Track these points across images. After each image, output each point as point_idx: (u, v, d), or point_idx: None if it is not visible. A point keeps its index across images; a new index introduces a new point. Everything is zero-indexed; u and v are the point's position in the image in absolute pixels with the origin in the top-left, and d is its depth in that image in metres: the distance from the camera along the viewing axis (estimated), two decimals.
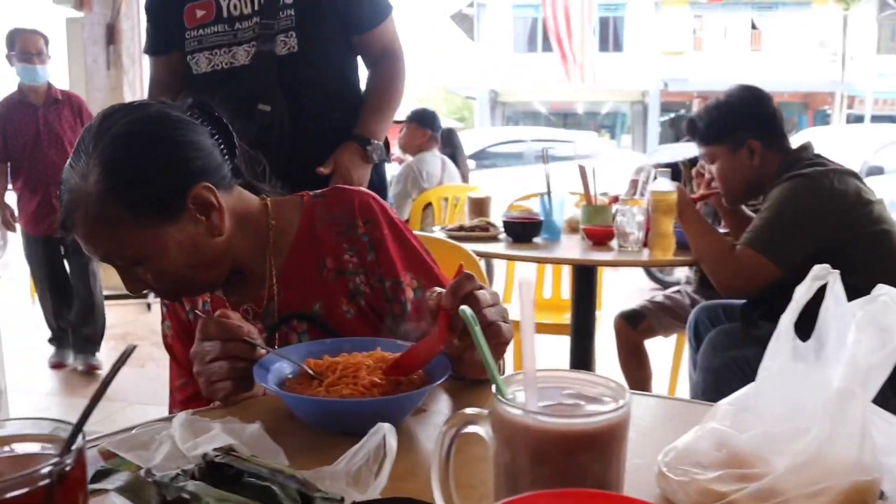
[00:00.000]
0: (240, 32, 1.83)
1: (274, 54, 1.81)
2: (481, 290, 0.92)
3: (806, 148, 2.28)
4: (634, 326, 3.04)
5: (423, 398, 0.91)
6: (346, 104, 1.94)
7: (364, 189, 1.28)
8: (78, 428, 0.46)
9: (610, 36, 23.09)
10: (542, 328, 3.31)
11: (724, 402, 0.76)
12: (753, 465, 0.69)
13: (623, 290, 6.39)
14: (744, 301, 2.34)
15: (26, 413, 3.45)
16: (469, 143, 11.46)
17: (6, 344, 2.70)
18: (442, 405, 0.99)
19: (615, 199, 2.73)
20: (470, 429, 0.61)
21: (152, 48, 1.99)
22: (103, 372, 4.01)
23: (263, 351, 0.97)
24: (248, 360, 0.97)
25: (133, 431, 0.84)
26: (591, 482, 0.55)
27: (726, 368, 2.23)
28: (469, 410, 0.61)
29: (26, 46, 3.90)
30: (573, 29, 14.35)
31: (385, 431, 0.69)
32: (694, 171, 2.75)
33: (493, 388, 0.59)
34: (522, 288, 0.53)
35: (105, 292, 6.11)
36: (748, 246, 2.12)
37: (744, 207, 2.58)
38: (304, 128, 1.84)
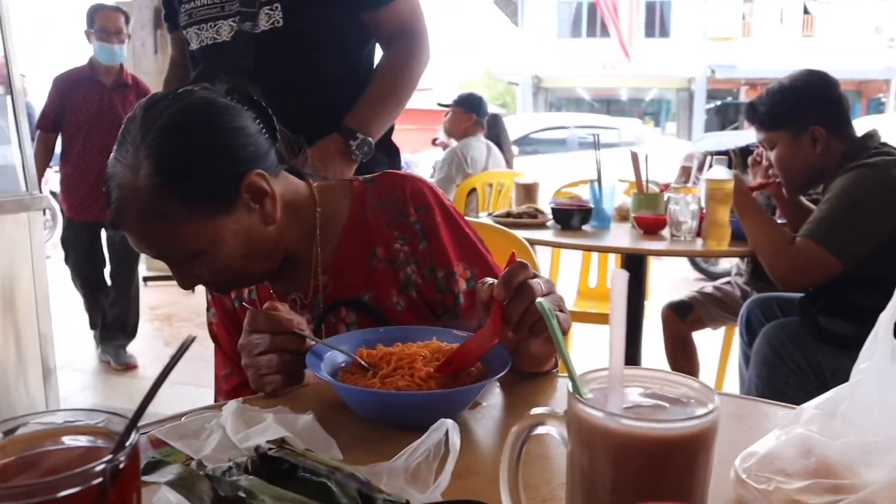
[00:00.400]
0: (227, 5, 1.64)
1: (251, 32, 1.59)
2: (535, 279, 0.88)
3: (872, 136, 2.18)
4: (683, 318, 2.96)
5: (481, 392, 0.87)
6: (353, 94, 1.66)
7: (416, 174, 1.23)
8: (133, 423, 0.43)
9: (656, 21, 22.64)
10: (586, 318, 3.26)
11: (810, 406, 0.70)
12: (845, 476, 0.63)
13: (668, 280, 6.27)
14: (801, 294, 2.25)
15: (74, 391, 3.52)
16: (512, 128, 11.36)
17: (56, 323, 2.73)
18: (496, 399, 0.95)
19: (666, 188, 2.65)
20: (541, 430, 0.56)
21: (166, 24, 1.87)
22: (142, 368, 4.04)
23: (313, 343, 0.94)
24: (298, 352, 0.94)
25: (183, 419, 0.81)
26: (676, 492, 0.51)
27: (784, 365, 2.15)
28: (540, 410, 0.57)
29: (106, 24, 3.77)
30: (620, 13, 14.09)
31: (448, 427, 0.65)
32: (750, 159, 2.66)
33: (569, 386, 0.54)
34: (616, 279, 0.49)
35: (147, 273, 6.22)
36: (809, 238, 2.04)
37: (802, 198, 2.49)
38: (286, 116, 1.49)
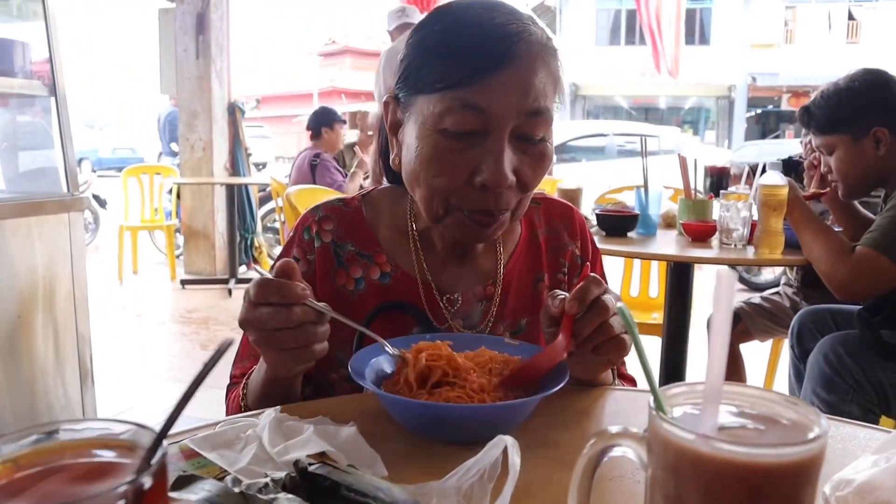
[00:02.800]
0: None
1: None
2: (608, 296, 0.87)
3: None
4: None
5: (536, 404, 0.81)
6: None
7: (566, 201, 1.23)
8: (160, 439, 0.37)
9: (696, 28, 22.35)
10: None
11: None
12: None
13: (710, 290, 6.12)
14: (859, 306, 2.14)
15: (111, 394, 3.52)
16: None
17: (93, 323, 2.73)
18: (550, 412, 0.88)
19: (713, 196, 2.56)
20: (617, 451, 0.50)
21: None
22: (179, 371, 4.05)
23: (330, 316, 0.84)
24: (319, 325, 0.84)
25: (217, 428, 0.76)
26: None
27: (842, 381, 2.04)
28: (616, 429, 0.50)
29: None
30: (662, 21, 13.88)
31: (507, 444, 0.59)
32: (806, 163, 2.56)
33: (652, 402, 0.48)
34: (722, 279, 0.42)
35: (185, 276, 6.28)
36: (871, 247, 1.93)
37: (859, 206, 2.38)
38: None
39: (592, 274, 0.88)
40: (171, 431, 0.76)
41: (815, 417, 0.47)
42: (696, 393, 0.50)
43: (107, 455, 0.40)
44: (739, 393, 0.51)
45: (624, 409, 0.91)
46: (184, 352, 4.33)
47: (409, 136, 0.96)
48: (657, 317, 3.32)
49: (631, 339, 0.88)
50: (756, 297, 2.97)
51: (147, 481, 0.35)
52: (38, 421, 2.27)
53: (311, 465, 0.60)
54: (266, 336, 0.83)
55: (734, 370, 2.91)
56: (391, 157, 1.04)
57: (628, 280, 3.49)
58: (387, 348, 0.88)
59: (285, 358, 0.84)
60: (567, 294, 0.86)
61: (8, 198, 2.52)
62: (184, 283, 6.10)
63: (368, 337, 0.89)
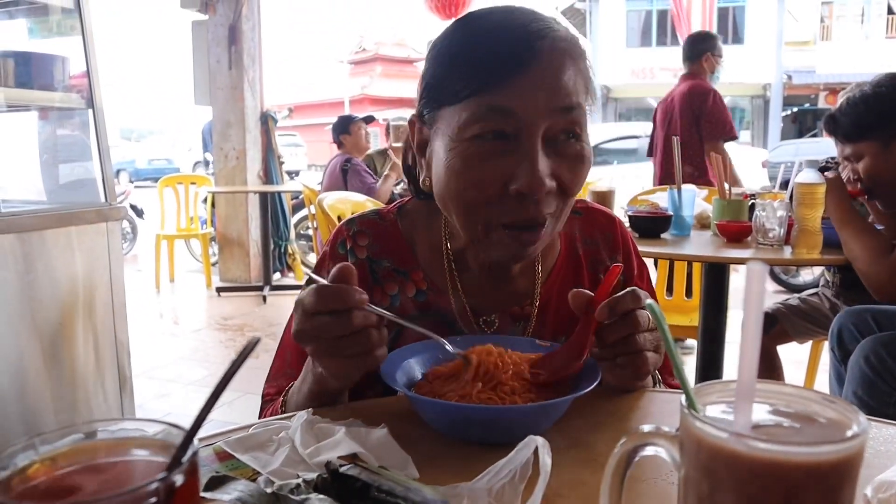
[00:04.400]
0: None
1: None
2: (642, 311, 0.84)
3: None
4: (766, 331, 2.81)
5: (569, 405, 0.80)
6: None
7: (611, 211, 1.18)
8: (189, 437, 0.38)
9: (729, 27, 22.06)
10: None
11: None
12: None
13: (740, 293, 6.04)
14: None
15: (149, 398, 3.58)
16: None
17: (131, 331, 2.78)
18: (581, 413, 0.87)
19: (749, 196, 2.52)
20: (649, 451, 0.49)
21: None
22: (215, 378, 4.10)
23: (387, 317, 0.82)
24: (378, 327, 0.81)
25: (250, 430, 0.77)
26: None
27: (884, 384, 1.99)
28: (648, 428, 0.49)
29: None
30: (693, 21, 13.73)
31: (538, 446, 0.58)
32: (840, 157, 2.51)
33: (684, 400, 0.47)
34: (753, 273, 0.41)
35: (221, 284, 6.36)
36: None
37: None
38: None
39: (635, 289, 0.85)
40: (206, 434, 0.78)
41: (853, 415, 0.45)
42: (730, 391, 0.50)
43: (140, 454, 0.41)
44: (775, 391, 0.50)
45: (659, 411, 0.90)
46: (220, 358, 4.38)
47: (438, 152, 0.93)
48: (693, 319, 3.28)
49: (660, 359, 0.87)
50: (794, 299, 2.92)
51: (178, 479, 0.36)
52: None
53: (342, 466, 0.61)
54: (326, 345, 0.79)
55: (772, 372, 2.85)
56: (421, 178, 1.00)
57: (663, 282, 3.46)
58: (447, 347, 0.87)
59: (346, 365, 0.81)
60: (590, 293, 0.85)
61: (49, 208, 2.58)
62: (219, 290, 6.18)
63: (400, 342, 0.89)
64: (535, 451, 0.59)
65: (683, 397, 0.47)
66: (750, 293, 0.42)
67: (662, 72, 21.79)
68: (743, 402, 0.44)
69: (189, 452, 0.37)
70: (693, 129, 4.42)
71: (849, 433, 0.43)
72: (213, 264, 6.80)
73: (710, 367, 2.60)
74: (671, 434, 0.48)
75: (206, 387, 3.83)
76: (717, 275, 2.51)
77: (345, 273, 0.80)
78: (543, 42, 0.87)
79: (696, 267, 3.19)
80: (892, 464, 0.67)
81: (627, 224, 2.53)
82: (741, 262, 2.20)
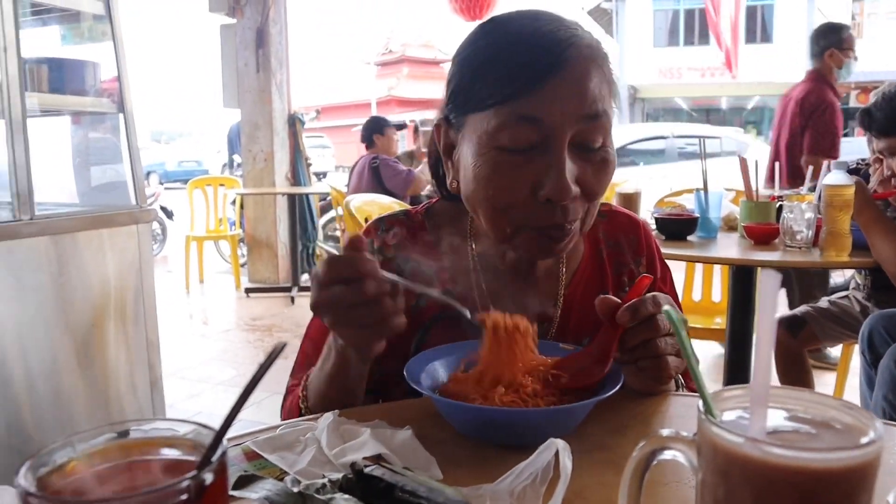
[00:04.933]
0: None
1: None
2: (663, 316, 0.85)
3: None
4: (795, 334, 2.79)
5: (591, 408, 0.81)
6: None
7: (635, 214, 1.18)
8: (219, 437, 0.39)
9: (757, 26, 21.79)
10: (691, 332, 3.11)
11: None
12: None
13: (779, 294, 5.96)
14: None
15: (180, 398, 3.64)
16: None
17: (161, 331, 2.83)
18: (604, 416, 0.87)
19: (777, 198, 2.50)
20: (667, 455, 0.50)
21: None
22: (243, 378, 4.15)
23: (401, 284, 0.82)
24: (394, 297, 0.82)
25: (278, 431, 0.79)
26: None
27: None
28: (666, 432, 0.50)
29: None
30: (722, 21, 13.55)
31: (559, 448, 0.59)
32: (871, 158, 2.47)
33: (701, 405, 0.48)
34: (767, 281, 0.42)
35: (249, 285, 6.43)
36: None
37: None
38: None
39: (658, 294, 0.86)
40: (235, 434, 0.80)
41: (869, 422, 0.46)
42: (747, 397, 0.50)
43: (172, 453, 0.42)
44: (793, 397, 0.50)
45: (682, 415, 0.90)
46: (248, 358, 4.43)
47: (465, 157, 0.94)
48: (720, 321, 3.25)
49: (682, 363, 0.87)
50: (823, 301, 2.88)
51: (208, 477, 0.37)
52: None
53: (366, 466, 0.62)
54: (342, 315, 0.80)
55: (801, 376, 2.83)
56: (448, 180, 1.01)
57: (690, 284, 3.43)
58: (466, 314, 0.88)
59: (364, 335, 0.82)
60: (615, 298, 0.86)
61: (82, 211, 2.63)
62: (248, 291, 6.25)
63: (425, 345, 0.90)
64: (556, 454, 0.60)
65: (701, 402, 0.48)
66: (764, 301, 0.42)
67: (690, 71, 21.64)
68: (757, 408, 0.45)
69: (218, 452, 0.39)
70: (800, 136, 4.22)
71: (864, 440, 0.44)
72: (242, 265, 6.88)
73: (737, 370, 2.58)
74: (689, 439, 0.49)
75: (235, 387, 3.88)
76: (744, 278, 2.49)
77: (356, 243, 0.81)
78: (570, 50, 0.88)
79: (724, 270, 3.16)
80: None
81: (653, 226, 2.52)
82: (768, 264, 2.18)
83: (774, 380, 2.75)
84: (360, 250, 0.80)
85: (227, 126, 8.24)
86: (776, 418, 0.49)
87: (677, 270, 3.29)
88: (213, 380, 4.01)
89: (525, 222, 0.92)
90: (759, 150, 11.37)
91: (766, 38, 21.89)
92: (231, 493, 0.58)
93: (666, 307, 0.61)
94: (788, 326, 2.79)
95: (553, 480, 0.60)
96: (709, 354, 3.99)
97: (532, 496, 0.62)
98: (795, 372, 2.81)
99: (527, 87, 0.87)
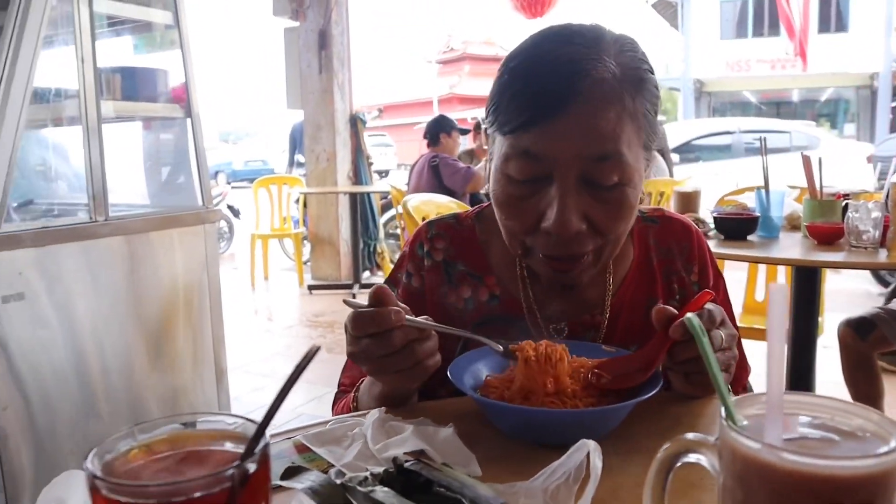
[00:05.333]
0: None
1: None
2: (717, 331, 0.85)
3: None
4: (863, 337, 2.70)
5: (629, 411, 0.82)
6: None
7: (688, 220, 1.16)
8: (261, 430, 0.43)
9: (832, 14, 21.01)
10: (753, 334, 3.05)
11: None
12: None
13: (846, 295, 5.77)
14: None
15: (245, 391, 3.76)
16: (672, 135, 10.93)
17: (227, 329, 2.94)
18: (644, 419, 0.89)
19: (842, 196, 2.43)
20: (691, 458, 0.51)
21: None
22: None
23: (429, 326, 0.86)
24: (423, 339, 0.86)
25: (328, 426, 0.83)
26: None
27: None
28: (691, 436, 0.52)
29: None
30: (793, 9, 13.07)
31: (590, 449, 0.62)
32: None
33: (722, 411, 0.49)
34: (774, 294, 0.43)
35: (312, 282, 6.57)
36: None
37: None
38: None
39: (714, 307, 0.85)
40: (288, 428, 0.84)
41: (892, 429, 0.46)
42: (780, 405, 0.51)
43: (221, 444, 0.46)
44: (820, 405, 0.51)
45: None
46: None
47: (491, 173, 0.97)
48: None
49: (729, 377, 0.88)
50: (894, 303, 2.79)
51: (251, 467, 0.41)
52: None
53: (407, 461, 0.65)
54: (375, 364, 0.85)
55: (869, 380, 2.73)
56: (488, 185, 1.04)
57: (753, 284, 3.36)
58: (494, 346, 0.91)
59: (400, 378, 0.86)
60: (671, 309, 0.86)
61: (152, 211, 2.76)
62: (311, 288, 6.40)
63: (470, 348, 0.93)
64: (588, 455, 0.62)
65: (722, 409, 0.49)
66: (772, 313, 0.44)
67: (759, 64, 21.03)
68: (773, 415, 0.46)
69: (261, 444, 0.42)
70: None
71: (883, 449, 0.45)
72: (305, 263, 7.03)
73: (801, 373, 2.52)
74: (711, 443, 0.50)
75: (298, 381, 3.98)
76: (807, 279, 2.44)
77: (380, 295, 0.84)
78: (582, 84, 0.86)
79: (788, 270, 3.09)
80: None
81: (712, 226, 2.49)
82: (832, 265, 2.13)
83: (839, 383, 2.68)
84: (383, 302, 0.83)
85: (290, 126, 8.43)
86: (802, 426, 0.50)
87: (739, 270, 3.24)
88: (276, 374, 4.12)
89: (533, 248, 0.94)
90: (831, 144, 10.99)
91: (841, 26, 21.10)
92: (279, 482, 0.62)
93: (688, 315, 0.62)
94: (857, 329, 2.70)
95: (585, 479, 0.62)
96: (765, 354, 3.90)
97: (565, 494, 0.64)
98: (863, 375, 2.72)
99: (533, 122, 0.87)
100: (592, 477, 0.60)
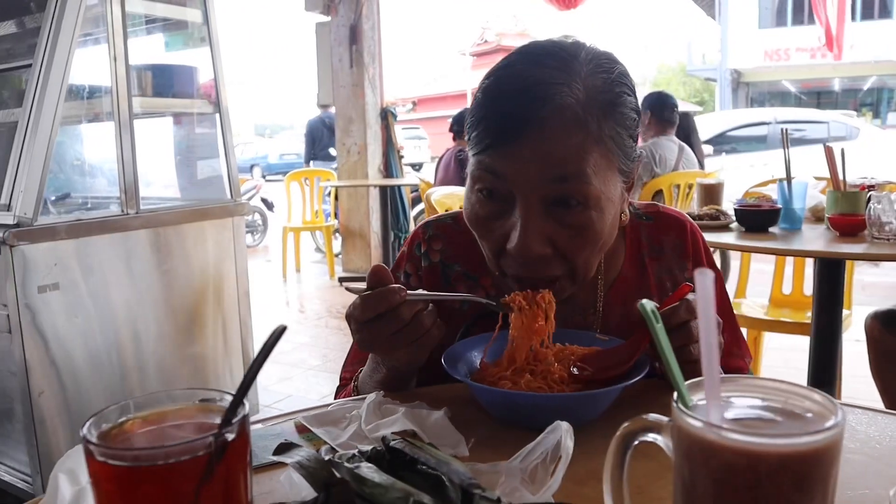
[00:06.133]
0: None
1: None
2: (696, 322, 0.85)
3: None
4: (891, 330, 2.67)
5: (615, 397, 0.85)
6: None
7: (686, 216, 1.16)
8: (236, 402, 0.48)
9: (875, 1, 20.47)
10: (780, 326, 3.04)
11: None
12: None
13: (885, 288, 5.67)
14: None
15: (273, 380, 3.84)
16: (707, 126, 10.80)
17: (258, 319, 3.02)
18: (636, 403, 0.91)
19: (867, 188, 2.40)
20: (649, 437, 0.55)
21: None
22: (333, 363, 4.32)
23: (430, 297, 0.90)
24: (424, 311, 0.89)
25: (329, 408, 0.87)
26: None
27: None
28: (649, 417, 0.55)
29: None
30: None
31: (562, 431, 0.65)
32: None
33: (675, 394, 0.52)
34: (700, 279, 0.46)
35: (343, 274, 6.65)
36: None
37: None
38: None
39: (689, 298, 0.86)
40: (289, 409, 0.89)
41: (833, 410, 0.49)
42: (724, 387, 0.54)
43: (208, 417, 0.51)
44: (771, 387, 0.54)
45: None
46: (339, 345, 4.61)
47: (464, 191, 0.99)
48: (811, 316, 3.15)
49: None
50: None
51: (229, 435, 0.45)
52: None
53: (394, 440, 0.69)
54: (387, 343, 0.88)
55: None
56: None
57: (780, 277, 3.34)
58: (489, 304, 0.95)
59: (412, 351, 0.90)
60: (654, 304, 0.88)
61: (182, 205, 2.84)
62: (341, 280, 6.46)
63: (471, 335, 0.97)
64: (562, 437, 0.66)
65: (675, 392, 0.52)
66: (700, 298, 0.47)
67: (799, 53, 20.60)
68: (711, 398, 0.49)
69: (238, 415, 0.47)
70: None
71: (815, 427, 0.47)
72: (337, 255, 7.12)
73: (824, 365, 2.51)
74: (666, 423, 0.53)
75: (324, 371, 4.06)
76: (830, 271, 2.42)
77: (380, 274, 0.88)
78: (544, 110, 0.87)
79: (813, 262, 3.06)
80: None
81: (733, 217, 2.48)
82: (851, 256, 2.11)
83: (867, 377, 2.65)
84: (383, 280, 0.87)
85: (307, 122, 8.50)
86: (751, 408, 0.53)
87: (767, 262, 3.21)
88: (304, 364, 4.21)
89: (505, 268, 0.96)
90: (871, 134, 10.74)
91: (885, 12, 20.56)
92: (272, 457, 0.66)
93: (641, 301, 0.65)
94: (884, 321, 2.67)
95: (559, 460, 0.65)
96: (798, 348, 3.86)
97: (542, 473, 0.67)
98: (889, 369, 2.69)
99: (495, 145, 0.89)
100: (564, 457, 0.63)
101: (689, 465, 0.50)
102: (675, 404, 0.51)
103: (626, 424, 0.56)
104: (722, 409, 0.50)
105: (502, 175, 0.90)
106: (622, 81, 0.93)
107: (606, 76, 0.91)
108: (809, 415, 0.51)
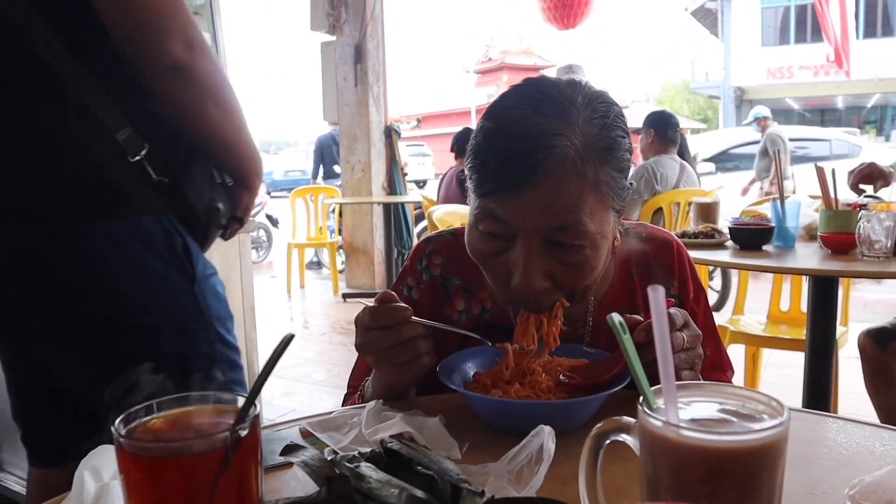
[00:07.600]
0: None
1: None
2: (679, 332, 0.92)
3: None
4: (884, 347, 2.71)
5: (600, 404, 0.91)
6: None
7: (673, 236, 1.22)
8: (249, 403, 0.54)
9: (878, 19, 20.61)
10: (777, 343, 3.10)
11: None
12: None
13: (886, 305, 5.71)
14: None
15: (277, 394, 3.89)
16: (709, 144, 10.87)
17: (262, 332, 3.08)
18: (615, 412, 0.97)
19: (858, 207, 2.46)
20: (620, 437, 0.61)
21: None
22: (339, 378, 4.38)
23: (431, 332, 0.98)
24: (425, 336, 0.97)
25: (332, 414, 0.93)
26: None
27: None
28: (620, 419, 0.61)
29: None
30: (832, 13, 12.85)
31: (545, 434, 0.71)
32: None
33: (641, 398, 0.58)
34: (653, 295, 0.53)
35: (346, 290, 6.71)
36: None
37: None
38: None
39: (675, 310, 0.92)
40: (296, 416, 0.95)
41: (779, 411, 0.55)
42: (684, 392, 0.60)
43: (223, 417, 0.57)
44: (731, 393, 0.60)
45: None
46: (343, 360, 4.67)
47: (467, 227, 1.04)
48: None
49: (694, 374, 0.95)
50: None
51: (242, 431, 0.52)
52: None
53: (390, 442, 0.75)
54: (381, 355, 0.97)
55: (890, 390, 2.75)
56: None
57: (778, 294, 3.39)
58: (489, 344, 1.02)
59: (399, 371, 0.97)
60: (637, 317, 0.94)
61: None
62: (345, 296, 6.54)
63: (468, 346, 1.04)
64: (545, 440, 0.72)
65: (641, 397, 0.58)
66: (653, 312, 0.53)
67: (802, 71, 20.74)
68: (669, 403, 0.55)
69: (251, 414, 0.53)
70: None
71: (759, 426, 0.53)
72: (341, 272, 7.19)
73: (818, 382, 2.55)
74: (634, 424, 0.59)
75: (328, 386, 4.11)
76: (824, 288, 2.47)
77: (387, 297, 0.97)
78: (546, 161, 0.91)
79: (808, 279, 3.11)
80: (885, 465, 0.73)
81: (727, 235, 2.54)
82: (842, 274, 2.16)
83: (860, 395, 2.70)
84: (392, 301, 0.96)
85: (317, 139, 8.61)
86: (709, 410, 0.59)
87: (765, 280, 3.25)
88: (308, 379, 4.26)
89: (507, 298, 1.04)
90: (874, 151, 10.79)
91: (889, 30, 20.70)
92: (280, 458, 0.72)
93: (610, 315, 0.71)
94: (876, 339, 2.72)
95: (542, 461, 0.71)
96: (796, 364, 3.90)
97: (528, 474, 0.73)
98: (883, 384, 2.74)
99: (497, 191, 0.94)
100: (545, 459, 0.69)
101: (652, 460, 0.56)
102: (640, 406, 0.57)
103: (598, 425, 0.62)
104: (682, 411, 0.56)
105: (505, 221, 0.95)
106: (616, 124, 0.97)
107: (602, 121, 0.96)
108: (762, 415, 0.57)
